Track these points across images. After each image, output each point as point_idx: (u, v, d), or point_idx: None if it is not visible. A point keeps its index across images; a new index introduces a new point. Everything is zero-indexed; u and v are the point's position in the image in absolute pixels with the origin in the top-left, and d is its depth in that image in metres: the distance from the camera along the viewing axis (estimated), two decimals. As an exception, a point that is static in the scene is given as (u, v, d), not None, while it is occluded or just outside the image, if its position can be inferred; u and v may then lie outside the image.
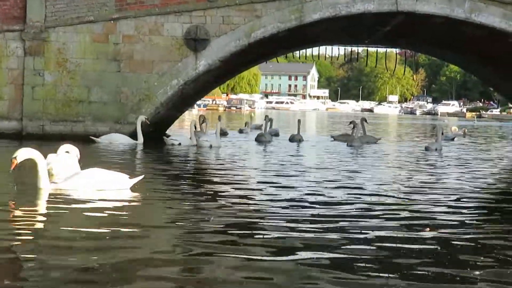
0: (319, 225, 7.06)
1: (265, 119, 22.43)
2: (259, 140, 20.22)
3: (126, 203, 8.24)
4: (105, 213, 7.54)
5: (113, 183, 8.74)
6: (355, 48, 32.00)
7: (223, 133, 21.05)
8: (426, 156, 16.93)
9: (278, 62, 39.40)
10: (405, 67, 43.34)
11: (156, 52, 18.38)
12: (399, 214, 8.09)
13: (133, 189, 8.84)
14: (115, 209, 7.83)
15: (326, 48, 30.43)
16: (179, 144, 17.52)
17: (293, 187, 10.07)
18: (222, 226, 7.00)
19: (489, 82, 31.18)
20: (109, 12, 18.35)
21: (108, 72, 18.38)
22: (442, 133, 19.15)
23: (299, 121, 22.10)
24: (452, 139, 23.70)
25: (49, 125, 18.36)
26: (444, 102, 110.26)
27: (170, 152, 16.43)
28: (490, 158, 17.79)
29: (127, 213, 7.75)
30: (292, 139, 20.76)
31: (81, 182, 8.62)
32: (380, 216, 7.83)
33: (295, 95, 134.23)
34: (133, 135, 17.64)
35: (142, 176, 9.05)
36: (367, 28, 21.51)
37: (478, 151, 20.19)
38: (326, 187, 10.17)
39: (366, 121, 21.95)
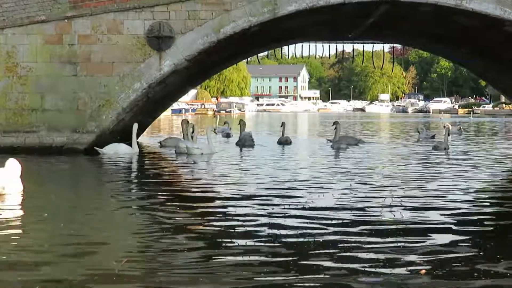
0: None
1: (239, 123, 21.23)
2: (240, 144, 19.36)
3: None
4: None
5: None
6: (341, 46, 30.35)
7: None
8: (436, 155, 16.49)
9: (260, 63, 37.79)
10: (393, 64, 41.73)
11: (116, 52, 16.62)
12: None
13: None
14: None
15: (309, 45, 28.54)
16: (201, 154, 16.13)
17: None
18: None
19: (483, 75, 29.52)
20: (63, 10, 16.59)
21: (63, 76, 16.62)
22: (448, 133, 18.95)
23: (283, 123, 21.19)
24: (432, 137, 23.19)
25: (0, 137, 16.60)
26: (435, 99, 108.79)
27: (161, 162, 15.38)
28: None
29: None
30: (284, 141, 20.29)
31: None
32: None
33: (286, 97, 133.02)
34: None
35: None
36: (349, 21, 19.80)
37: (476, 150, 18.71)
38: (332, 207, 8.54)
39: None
